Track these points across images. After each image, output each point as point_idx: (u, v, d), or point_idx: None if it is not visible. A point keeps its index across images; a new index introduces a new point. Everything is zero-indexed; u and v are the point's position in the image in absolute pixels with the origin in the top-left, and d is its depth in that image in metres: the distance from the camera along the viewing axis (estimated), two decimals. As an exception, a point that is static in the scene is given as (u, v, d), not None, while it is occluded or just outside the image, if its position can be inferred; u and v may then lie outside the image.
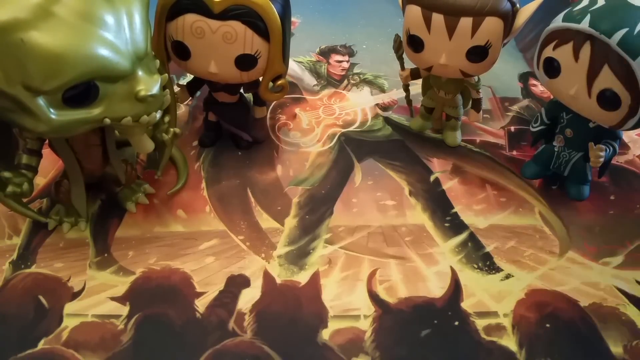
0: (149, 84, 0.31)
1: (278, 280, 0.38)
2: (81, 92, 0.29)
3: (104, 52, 0.29)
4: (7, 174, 0.34)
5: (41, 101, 0.28)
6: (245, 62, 0.38)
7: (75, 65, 0.28)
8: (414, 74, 0.47)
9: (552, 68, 0.38)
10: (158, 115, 0.33)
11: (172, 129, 0.39)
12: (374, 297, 0.37)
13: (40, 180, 0.44)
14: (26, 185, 0.35)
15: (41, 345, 0.34)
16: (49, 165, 0.45)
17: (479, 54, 0.40)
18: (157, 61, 0.34)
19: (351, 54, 0.59)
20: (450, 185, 0.45)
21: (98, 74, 0.29)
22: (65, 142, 0.36)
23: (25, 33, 0.26)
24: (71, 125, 0.30)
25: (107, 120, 0.31)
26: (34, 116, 0.29)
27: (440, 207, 0.43)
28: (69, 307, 0.36)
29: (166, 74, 0.34)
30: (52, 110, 0.29)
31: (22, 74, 0.27)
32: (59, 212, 0.41)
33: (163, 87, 0.33)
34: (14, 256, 0.39)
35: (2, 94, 0.28)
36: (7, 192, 0.34)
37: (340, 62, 0.58)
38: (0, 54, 0.27)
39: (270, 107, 0.52)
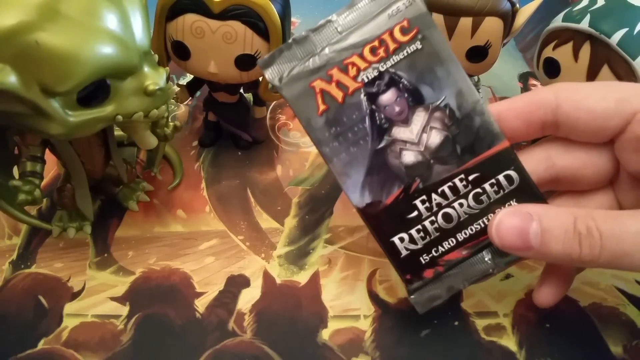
0: (156, 78, 0.31)
1: (278, 280, 0.38)
2: (93, 91, 0.29)
3: (114, 48, 0.28)
4: (16, 182, 0.34)
5: (56, 103, 0.28)
6: (245, 62, 0.38)
7: (88, 64, 0.27)
8: None
9: (552, 68, 0.38)
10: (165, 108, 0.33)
11: (171, 123, 0.39)
12: (373, 297, 0.37)
13: (40, 181, 0.44)
14: (38, 192, 0.34)
15: (41, 345, 0.34)
16: (48, 166, 0.44)
17: (478, 54, 0.40)
18: (156, 55, 0.34)
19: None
20: (450, 185, 0.45)
21: (110, 71, 0.29)
22: (69, 145, 0.36)
23: (38, 34, 0.26)
24: (86, 124, 0.30)
25: (120, 117, 0.31)
26: (50, 119, 0.28)
27: (440, 207, 0.43)
28: (69, 307, 0.36)
29: (167, 67, 0.34)
30: (67, 111, 0.29)
31: (38, 76, 0.27)
32: (62, 218, 0.41)
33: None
34: (14, 256, 0.39)
35: (19, 100, 0.27)
36: (19, 200, 0.34)
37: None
38: (16, 58, 0.26)
39: (270, 107, 0.52)
